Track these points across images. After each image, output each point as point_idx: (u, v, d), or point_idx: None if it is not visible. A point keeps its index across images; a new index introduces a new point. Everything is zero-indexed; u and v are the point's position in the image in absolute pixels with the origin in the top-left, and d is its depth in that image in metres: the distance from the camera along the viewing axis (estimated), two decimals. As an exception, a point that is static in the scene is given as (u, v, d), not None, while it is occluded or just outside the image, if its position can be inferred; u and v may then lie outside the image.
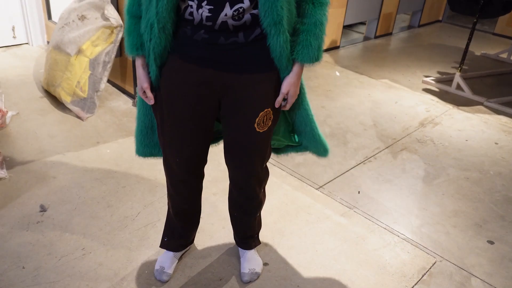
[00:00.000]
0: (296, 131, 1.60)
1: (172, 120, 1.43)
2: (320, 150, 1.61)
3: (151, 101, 1.42)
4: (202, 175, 1.66)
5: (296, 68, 1.37)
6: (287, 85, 1.38)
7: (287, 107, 1.45)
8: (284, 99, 1.43)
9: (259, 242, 1.85)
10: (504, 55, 4.73)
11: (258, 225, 1.81)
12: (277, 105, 1.41)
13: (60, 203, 2.09)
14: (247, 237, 1.80)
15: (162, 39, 1.30)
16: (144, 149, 1.60)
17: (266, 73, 1.36)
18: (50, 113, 2.89)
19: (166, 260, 1.77)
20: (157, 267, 1.76)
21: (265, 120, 1.43)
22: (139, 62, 1.40)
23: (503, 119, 3.33)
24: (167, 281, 1.73)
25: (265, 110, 1.40)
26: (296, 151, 1.69)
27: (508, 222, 2.22)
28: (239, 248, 1.84)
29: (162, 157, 1.60)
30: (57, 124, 2.77)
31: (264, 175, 1.64)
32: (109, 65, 2.92)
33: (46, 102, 3.01)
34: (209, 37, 1.28)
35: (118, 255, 1.83)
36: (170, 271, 1.75)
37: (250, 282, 1.75)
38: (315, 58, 1.36)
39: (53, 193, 2.15)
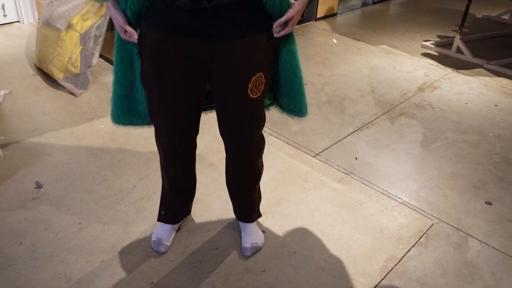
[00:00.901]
0: (281, 85, 1.51)
1: (160, 94, 1.40)
2: (303, 106, 1.54)
3: (134, 36, 1.35)
4: (194, 146, 1.64)
5: None
6: (294, 10, 1.30)
7: (282, 33, 1.36)
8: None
9: (260, 215, 1.83)
10: (506, 17, 4.61)
11: (258, 197, 1.80)
12: (275, 26, 1.33)
13: (56, 179, 2.09)
14: (248, 210, 1.78)
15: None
16: (124, 116, 1.54)
17: (255, 35, 1.32)
18: (43, 90, 2.86)
19: (163, 232, 1.77)
20: (154, 238, 1.76)
21: (257, 85, 1.39)
22: (109, 3, 1.33)
23: (504, 81, 3.27)
24: (164, 252, 1.73)
25: (257, 74, 1.37)
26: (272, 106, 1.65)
27: (507, 183, 2.20)
28: (240, 222, 1.83)
29: (142, 126, 1.57)
30: (51, 101, 2.74)
31: (260, 143, 1.62)
32: (101, 39, 2.87)
33: (38, 80, 2.98)
34: (191, 2, 1.23)
35: (114, 228, 1.83)
36: (168, 243, 1.75)
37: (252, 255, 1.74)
38: None
39: (49, 170, 2.15)
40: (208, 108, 1.66)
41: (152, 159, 2.25)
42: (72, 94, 2.83)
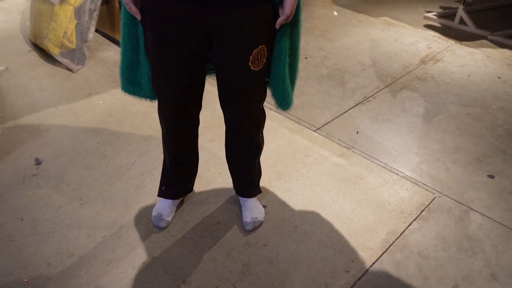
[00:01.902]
0: (271, 69, 1.48)
1: (162, 64, 1.37)
2: (279, 98, 1.48)
3: (137, 15, 1.33)
4: (197, 122, 1.62)
5: None
6: (289, 8, 1.28)
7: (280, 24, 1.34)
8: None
9: (260, 191, 1.82)
10: (510, -14, 4.51)
11: (257, 172, 1.78)
12: (277, 27, 1.33)
13: (55, 156, 2.07)
14: (247, 185, 1.77)
15: None
16: (129, 86, 1.52)
17: (258, 6, 1.28)
18: (40, 66, 2.82)
19: (164, 207, 1.77)
20: (154, 213, 1.76)
21: (259, 58, 1.36)
22: None
23: (507, 52, 3.22)
24: (165, 228, 1.73)
25: (259, 46, 1.34)
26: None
27: (510, 156, 2.19)
28: (240, 197, 1.82)
29: (145, 98, 1.55)
30: (48, 77, 2.70)
31: (261, 117, 1.59)
32: (96, 13, 2.80)
33: (35, 56, 2.93)
34: None
35: (115, 204, 1.82)
36: (169, 218, 1.75)
37: (252, 230, 1.74)
38: None
39: (47, 146, 2.13)
40: (212, 73, 1.63)
41: (151, 135, 2.23)
42: (69, 70, 2.79)
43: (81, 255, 1.60)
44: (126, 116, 2.37)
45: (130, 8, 1.32)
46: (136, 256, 1.61)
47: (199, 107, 1.56)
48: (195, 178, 1.82)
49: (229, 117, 1.55)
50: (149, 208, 1.81)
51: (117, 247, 1.64)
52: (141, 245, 1.65)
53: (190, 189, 1.84)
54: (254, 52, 1.34)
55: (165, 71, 1.39)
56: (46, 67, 2.81)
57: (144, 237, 1.68)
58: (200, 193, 1.90)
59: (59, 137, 2.20)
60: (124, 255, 1.61)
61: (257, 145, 1.66)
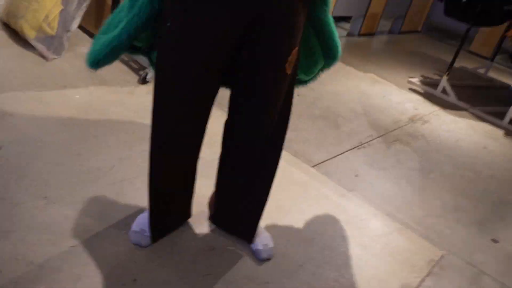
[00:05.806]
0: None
1: (182, 62, 1.17)
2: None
3: None
4: (204, 132, 1.38)
5: None
6: None
7: None
8: None
9: None
10: (482, 71, 4.78)
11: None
12: None
13: (18, 144, 1.71)
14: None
15: None
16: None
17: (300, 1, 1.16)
18: (8, 47, 2.46)
19: (147, 222, 1.46)
20: (136, 229, 1.44)
21: (294, 60, 1.24)
22: None
23: (488, 127, 3.29)
24: (145, 247, 1.42)
25: (297, 47, 1.22)
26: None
27: (508, 223, 2.12)
28: None
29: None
30: (15, 59, 2.35)
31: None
32: (85, 4, 2.53)
33: (3, 36, 2.56)
34: None
35: (89, 210, 1.49)
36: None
37: (268, 259, 1.50)
38: None
39: (9, 131, 1.77)
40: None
41: (135, 140, 1.93)
42: (43, 57, 2.45)
43: (42, 264, 1.24)
44: (107, 117, 2.07)
45: None
46: (113, 275, 1.28)
47: (209, 114, 1.34)
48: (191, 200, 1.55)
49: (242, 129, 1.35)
50: (130, 219, 1.50)
51: (89, 261, 1.30)
52: (119, 262, 1.33)
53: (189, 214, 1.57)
54: (293, 52, 1.21)
55: (185, 70, 1.17)
56: (15, 48, 2.46)
57: (123, 253, 1.36)
58: (193, 215, 1.61)
59: (24, 124, 1.85)
60: (97, 272, 1.27)
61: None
